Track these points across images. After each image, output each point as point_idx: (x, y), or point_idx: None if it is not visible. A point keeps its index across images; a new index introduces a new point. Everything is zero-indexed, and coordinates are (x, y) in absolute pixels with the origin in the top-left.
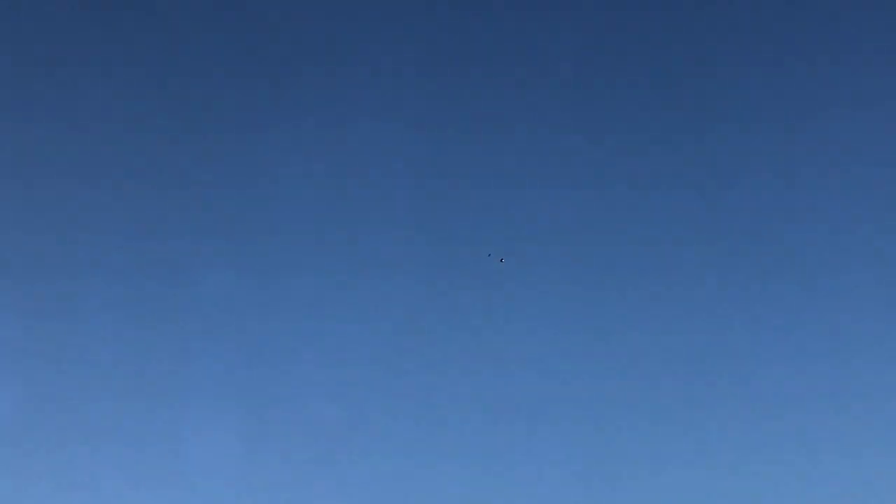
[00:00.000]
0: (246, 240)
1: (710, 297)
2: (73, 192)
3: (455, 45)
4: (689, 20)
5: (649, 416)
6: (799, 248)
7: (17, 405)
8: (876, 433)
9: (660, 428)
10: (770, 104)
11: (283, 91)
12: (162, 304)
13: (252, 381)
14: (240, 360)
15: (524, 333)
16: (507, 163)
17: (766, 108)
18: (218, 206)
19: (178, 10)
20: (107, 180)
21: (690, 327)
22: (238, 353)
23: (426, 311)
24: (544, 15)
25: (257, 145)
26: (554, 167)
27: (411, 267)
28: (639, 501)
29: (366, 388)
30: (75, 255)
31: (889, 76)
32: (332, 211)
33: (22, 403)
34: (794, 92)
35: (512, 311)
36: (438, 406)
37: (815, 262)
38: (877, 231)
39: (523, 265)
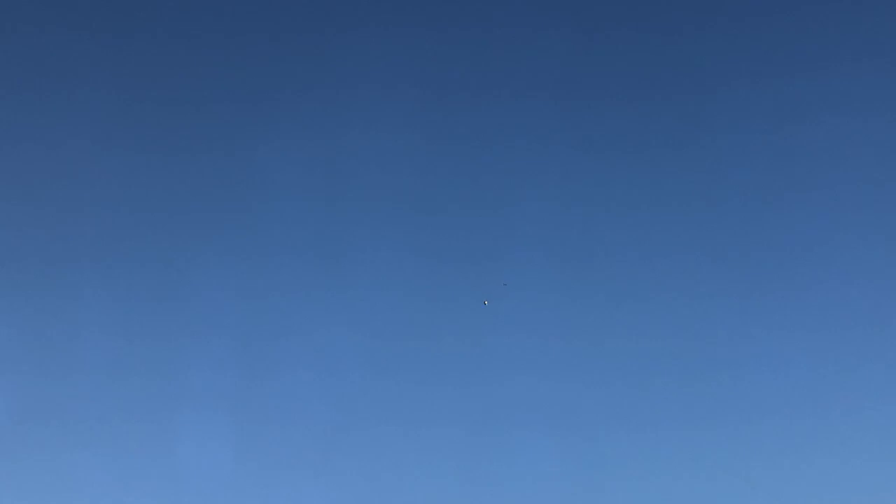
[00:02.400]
0: (239, 247)
1: (703, 304)
2: (66, 198)
3: (453, 54)
4: (685, 30)
5: (640, 421)
6: (790, 257)
7: (11, 409)
8: (870, 437)
9: (651, 433)
10: (764, 112)
11: (281, 100)
12: (156, 309)
13: (245, 385)
14: (233, 365)
15: (516, 340)
16: (500, 172)
17: (759, 117)
18: (211, 213)
19: (179, 10)
20: (103, 189)
21: (683, 334)
22: (231, 359)
23: (417, 317)
24: (543, 24)
25: (253, 154)
26: (548, 175)
27: (403, 275)
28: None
29: (357, 393)
30: (71, 261)
31: (885, 84)
32: (326, 219)
33: (17, 407)
34: (788, 99)
35: (503, 318)
36: (429, 411)
37: (806, 270)
38: (869, 238)
39: (515, 272)
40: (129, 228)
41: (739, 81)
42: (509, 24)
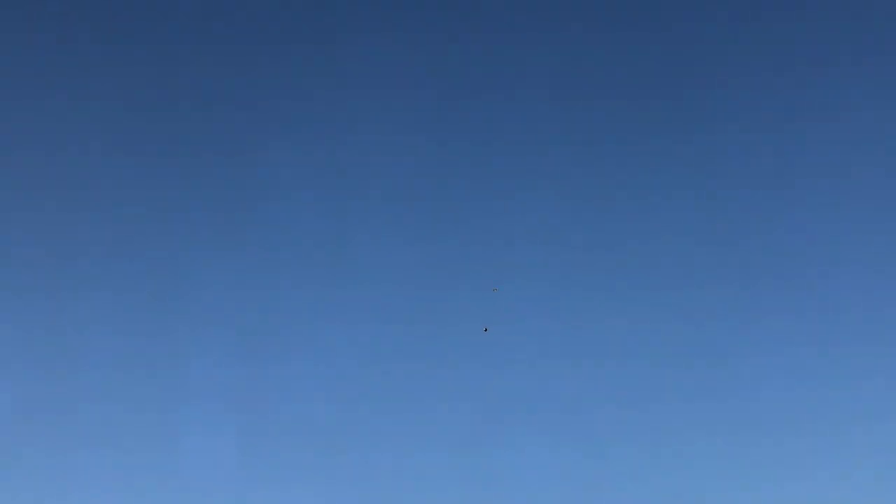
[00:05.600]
0: (241, 244)
1: (704, 299)
2: (70, 197)
3: (453, 53)
4: (684, 26)
5: (642, 416)
6: (790, 252)
7: (15, 407)
8: (872, 439)
9: (652, 427)
10: (763, 108)
11: (281, 99)
12: (158, 307)
13: (247, 382)
14: (235, 362)
15: (516, 335)
16: (501, 169)
17: (759, 113)
18: (212, 212)
19: (185, 14)
20: (105, 187)
21: (683, 328)
22: (233, 356)
23: (419, 313)
24: (541, 21)
25: (252, 151)
26: (548, 171)
27: (404, 270)
28: (630, 498)
29: (359, 389)
30: (74, 260)
31: (885, 80)
32: (325, 216)
33: (20, 406)
34: (788, 95)
35: (504, 313)
36: (431, 405)
37: (807, 264)
38: (870, 235)
39: (515, 268)
40: (131, 226)
41: (737, 79)
42: (509, 23)
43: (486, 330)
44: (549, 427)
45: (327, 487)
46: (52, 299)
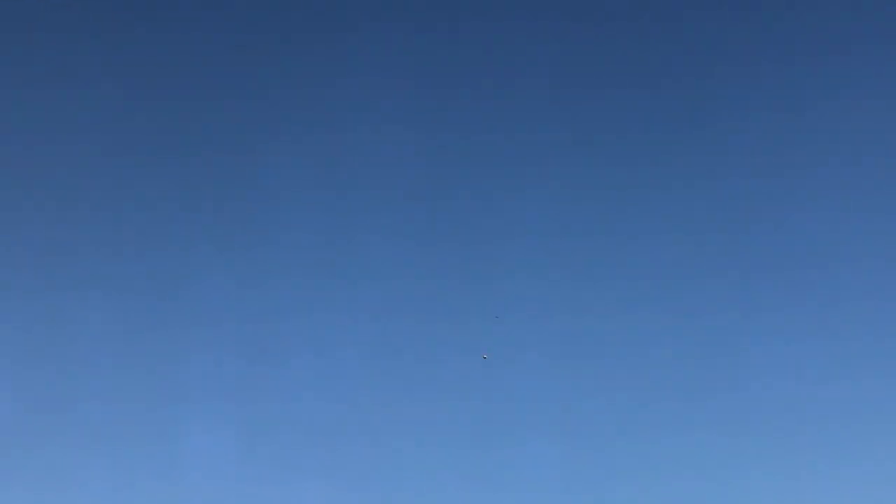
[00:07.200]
0: (240, 242)
1: (706, 298)
2: (72, 195)
3: (451, 50)
4: (681, 19)
5: (642, 416)
6: (794, 250)
7: (15, 407)
8: (874, 439)
9: (653, 437)
10: (766, 104)
11: (280, 96)
12: (158, 304)
13: (247, 380)
14: (236, 360)
15: (517, 334)
16: (502, 166)
17: (761, 109)
18: (212, 209)
19: (181, 11)
20: (105, 185)
21: (687, 327)
22: (234, 354)
23: (419, 310)
24: (539, 18)
25: (252, 149)
26: (550, 168)
27: (405, 267)
28: (633, 498)
29: (359, 386)
30: (74, 258)
31: (884, 75)
32: (326, 215)
33: (20, 405)
34: (790, 91)
35: (506, 312)
36: (431, 403)
37: (811, 263)
38: (876, 234)
39: (516, 265)
40: (131, 226)
41: (737, 79)
42: (510, 19)
43: (484, 357)
44: (552, 425)
45: (328, 485)
46: (52, 299)
